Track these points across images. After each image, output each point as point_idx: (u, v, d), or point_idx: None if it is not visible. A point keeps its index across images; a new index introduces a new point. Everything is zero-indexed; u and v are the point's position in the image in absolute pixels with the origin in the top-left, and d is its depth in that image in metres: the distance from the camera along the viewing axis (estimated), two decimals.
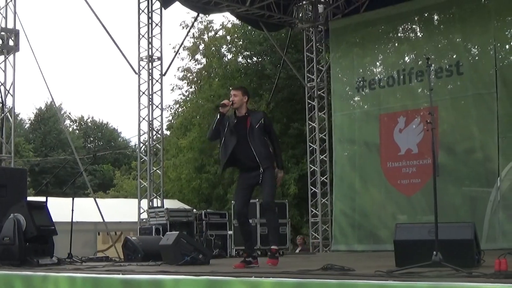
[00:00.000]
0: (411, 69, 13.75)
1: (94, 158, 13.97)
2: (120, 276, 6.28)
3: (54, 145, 44.61)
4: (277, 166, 7.53)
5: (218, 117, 7.51)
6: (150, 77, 13.83)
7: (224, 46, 22.98)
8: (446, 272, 4.92)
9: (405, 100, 13.87)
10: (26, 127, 48.65)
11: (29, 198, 10.89)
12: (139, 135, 14.03)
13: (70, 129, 50.51)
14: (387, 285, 4.33)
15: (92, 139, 52.51)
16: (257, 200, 12.42)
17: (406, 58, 14.26)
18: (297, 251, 15.49)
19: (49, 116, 46.58)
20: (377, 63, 14.95)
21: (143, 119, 13.89)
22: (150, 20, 13.88)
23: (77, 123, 52.41)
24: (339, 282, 4.62)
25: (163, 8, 13.96)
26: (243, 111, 7.52)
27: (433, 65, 13.22)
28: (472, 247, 6.02)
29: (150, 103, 13.81)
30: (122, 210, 18.76)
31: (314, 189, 15.73)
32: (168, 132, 27.83)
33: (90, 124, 52.69)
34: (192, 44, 23.18)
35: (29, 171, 40.42)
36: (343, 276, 5.04)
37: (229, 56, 23.19)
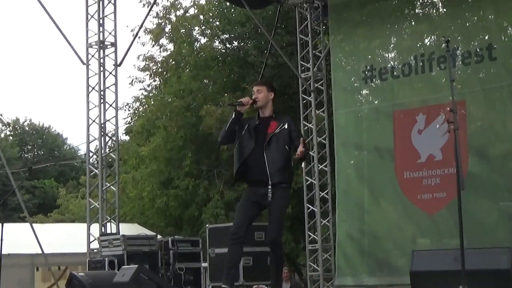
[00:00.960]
0: (431, 54, 13.74)
1: (29, 172, 13.81)
2: None
3: None
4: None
5: (234, 116, 7.79)
6: (101, 68, 13.77)
7: (196, 28, 22.92)
8: None
9: (425, 93, 13.87)
10: None
11: None
12: (88, 142, 13.97)
13: (2, 135, 50.38)
14: None
15: (30, 147, 52.39)
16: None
17: (426, 41, 14.27)
18: (285, 287, 15.38)
19: None
20: (389, 47, 14.95)
21: (93, 121, 13.83)
22: None
23: (10, 128, 52.25)
24: None
25: None
26: (268, 111, 7.82)
27: (459, 48, 13.30)
28: (509, 279, 6.02)
29: (102, 101, 13.76)
30: (68, 238, 18.68)
31: (311, 207, 15.69)
32: (126, 138, 27.82)
33: (27, 128, 52.59)
34: (155, 25, 23.11)
35: None
36: None
37: (203, 40, 23.16)
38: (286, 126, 7.67)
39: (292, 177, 7.87)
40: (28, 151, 52.00)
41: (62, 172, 47.48)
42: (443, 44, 13.40)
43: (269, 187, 7.50)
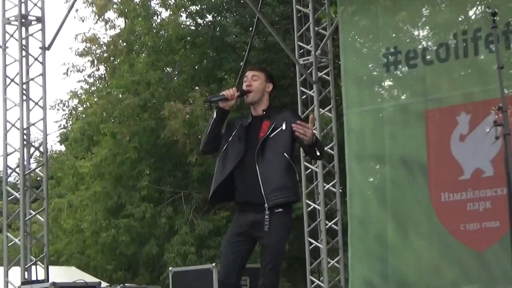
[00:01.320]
0: (477, 30, 13.75)
1: None
2: None
3: None
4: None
5: (215, 116, 7.73)
6: (23, 53, 13.71)
7: None
8: None
9: (469, 85, 13.86)
10: None
11: None
12: (6, 154, 13.88)
13: None
14: None
15: None
16: (213, 265, 12.46)
17: (470, 13, 14.28)
18: None
19: None
20: (419, 23, 14.96)
21: (13, 125, 13.74)
22: None
23: None
24: None
25: None
26: (262, 107, 7.81)
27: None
28: None
29: (25, 97, 13.68)
30: None
31: (315, 243, 15.69)
32: (61, 148, 27.75)
33: None
34: None
35: None
36: None
37: (165, 14, 23.19)
38: (284, 126, 7.60)
39: (296, 197, 7.73)
40: None
41: None
42: (489, 17, 13.52)
43: (266, 211, 7.43)
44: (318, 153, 7.55)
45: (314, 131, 7.43)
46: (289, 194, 7.55)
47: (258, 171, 7.49)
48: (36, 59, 13.79)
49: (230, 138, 7.69)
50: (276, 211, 7.43)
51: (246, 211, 7.61)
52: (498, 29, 13.23)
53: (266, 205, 7.42)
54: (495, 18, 6.50)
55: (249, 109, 7.88)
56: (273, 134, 7.56)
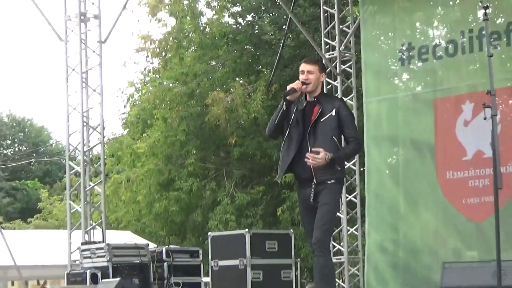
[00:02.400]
0: (481, 29, 13.56)
1: None
2: None
3: None
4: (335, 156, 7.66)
5: (284, 108, 7.85)
6: (83, 46, 13.72)
7: (202, 0, 22.92)
8: None
9: (474, 77, 13.74)
10: None
11: None
12: (68, 134, 13.93)
13: None
14: None
15: (9, 142, 52.59)
16: (246, 230, 12.51)
17: (479, 14, 14.11)
18: None
19: None
20: (434, 22, 14.85)
21: (74, 109, 13.78)
22: None
23: None
24: None
25: None
26: (315, 94, 7.93)
27: None
28: None
29: (84, 84, 13.70)
30: (47, 247, 18.67)
31: (337, 213, 15.62)
32: (123, 131, 27.78)
33: (6, 120, 52.79)
34: None
35: None
36: None
37: (210, 14, 23.11)
38: (333, 112, 7.72)
39: (343, 172, 8.00)
40: (7, 146, 52.22)
41: (48, 172, 47.70)
42: (502, 17, 13.42)
43: (313, 184, 7.63)
44: (338, 167, 7.72)
45: (325, 155, 7.55)
46: (335, 170, 7.68)
47: (310, 151, 7.61)
48: (93, 51, 13.81)
49: (291, 122, 7.80)
50: (328, 182, 7.62)
51: (304, 186, 7.77)
52: (500, 27, 13.30)
53: (314, 180, 7.59)
54: (487, 11, 6.38)
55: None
56: (323, 118, 7.68)
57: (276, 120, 7.89)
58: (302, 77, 7.82)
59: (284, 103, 7.80)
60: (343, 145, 7.91)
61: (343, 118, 7.75)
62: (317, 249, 7.69)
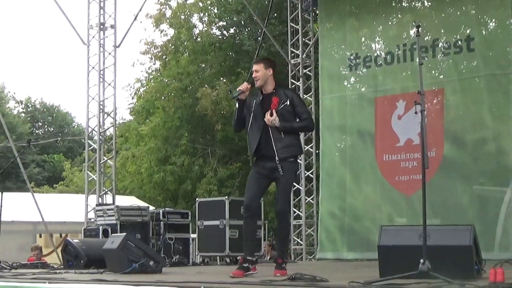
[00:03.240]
0: (413, 44, 13.63)
1: (28, 146, 13.86)
2: (46, 285, 6.15)
3: None
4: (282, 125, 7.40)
5: (237, 106, 7.58)
6: (101, 49, 13.63)
7: (195, 15, 22.79)
8: (434, 284, 4.80)
9: (406, 81, 13.76)
10: None
11: None
12: (88, 118, 13.84)
13: (15, 112, 50.22)
14: None
15: (40, 124, 52.23)
16: (225, 197, 12.62)
17: (411, 32, 14.11)
18: (267, 259, 15.24)
19: None
20: (376, 37, 14.82)
21: (93, 99, 13.69)
22: None
23: (23, 105, 52.11)
24: None
25: None
26: (270, 87, 7.54)
27: (440, 39, 13.21)
28: (471, 255, 5.89)
29: (101, 80, 13.61)
30: (68, 207, 18.56)
31: (297, 186, 15.57)
32: (130, 117, 27.68)
33: (39, 106, 52.41)
34: (157, 11, 22.97)
35: None
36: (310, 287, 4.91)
37: (201, 26, 23.03)
38: (288, 102, 7.44)
39: (299, 150, 7.70)
40: (39, 127, 51.85)
41: (70, 148, 47.38)
42: (429, 35, 13.41)
43: (276, 160, 7.33)
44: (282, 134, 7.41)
45: (275, 118, 7.32)
46: (293, 149, 7.47)
47: (271, 134, 7.37)
48: (109, 53, 13.72)
49: (252, 114, 7.51)
50: (284, 161, 7.34)
51: (264, 161, 7.43)
52: (427, 42, 13.29)
53: (276, 157, 7.31)
54: (418, 29, 6.33)
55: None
56: (280, 107, 7.38)
57: (236, 117, 7.65)
58: (253, 75, 7.56)
59: (237, 102, 7.58)
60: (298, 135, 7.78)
61: (296, 104, 7.50)
62: (283, 217, 7.55)
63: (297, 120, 7.54)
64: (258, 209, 7.63)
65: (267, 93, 7.53)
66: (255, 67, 7.60)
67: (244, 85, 7.53)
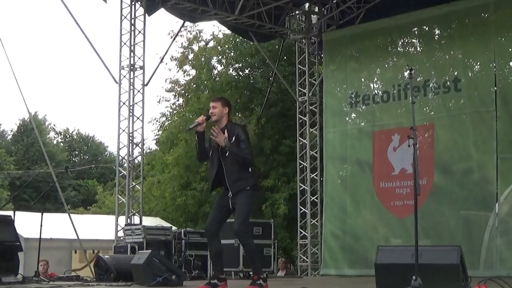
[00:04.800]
0: (407, 84, 13.67)
1: (66, 172, 13.90)
2: None
3: (37, 158, 44.45)
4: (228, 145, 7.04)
5: (196, 137, 7.26)
6: (131, 87, 13.66)
7: (214, 58, 22.84)
8: None
9: (400, 117, 13.80)
10: (8, 138, 48.57)
11: (7, 213, 10.71)
12: (118, 148, 13.84)
13: (55, 142, 50.42)
14: None
15: (77, 152, 52.38)
16: None
17: (405, 74, 14.15)
18: (280, 274, 15.19)
19: (32, 128, 46.50)
20: (374, 78, 14.89)
21: (123, 131, 13.72)
22: (132, 27, 13.71)
23: (62, 136, 52.31)
24: None
25: (147, 15, 13.82)
26: (223, 124, 7.24)
27: (431, 80, 13.26)
28: (458, 273, 5.87)
29: (131, 114, 13.63)
30: (100, 227, 18.57)
31: (303, 209, 15.60)
32: (156, 147, 27.69)
33: (75, 137, 52.62)
34: (180, 54, 23.08)
35: (9, 185, 40.44)
36: None
37: (219, 68, 23.05)
38: (234, 138, 7.07)
39: (252, 180, 7.16)
40: (75, 155, 51.98)
41: (103, 174, 47.40)
42: (421, 77, 13.44)
43: (229, 195, 7.08)
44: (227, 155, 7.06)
45: (225, 139, 7.01)
46: (245, 183, 7.05)
47: (224, 169, 7.10)
48: (138, 91, 13.74)
49: (212, 147, 7.23)
50: (236, 194, 7.03)
51: (225, 192, 7.16)
52: (419, 83, 13.32)
53: (230, 191, 7.07)
54: (411, 72, 6.35)
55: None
56: (230, 141, 7.03)
57: (197, 149, 7.32)
58: (210, 111, 7.25)
59: (196, 134, 7.22)
60: (250, 169, 7.16)
61: (239, 139, 7.07)
62: (240, 237, 7.19)
63: None
64: (215, 233, 7.19)
65: (221, 128, 7.19)
66: (213, 104, 7.31)
67: (201, 118, 7.23)
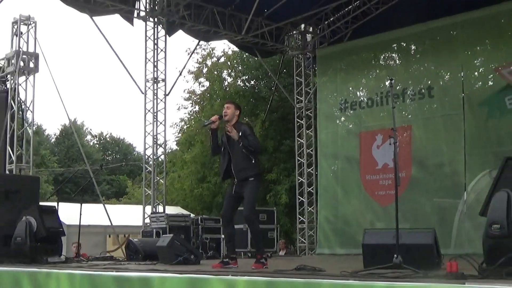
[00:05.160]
0: (388, 92, 13.64)
1: (101, 169, 13.91)
2: (113, 273, 6.14)
3: (76, 157, 44.51)
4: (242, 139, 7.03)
5: (210, 134, 7.27)
6: (155, 97, 13.67)
7: (225, 71, 22.85)
8: (405, 273, 4.76)
9: (383, 120, 13.74)
10: (52, 141, 48.67)
11: (52, 204, 10.72)
12: (145, 148, 13.85)
13: (91, 144, 50.42)
14: (348, 284, 4.17)
15: (110, 152, 52.39)
16: None
17: (386, 83, 14.11)
18: (281, 253, 15.20)
19: (72, 132, 46.56)
20: (360, 87, 14.86)
21: (149, 134, 13.73)
22: (155, 46, 13.73)
23: (97, 138, 52.34)
24: (306, 281, 4.47)
25: (167, 36, 13.84)
26: (232, 123, 7.21)
27: (408, 88, 13.25)
28: (432, 251, 5.85)
29: (155, 120, 13.64)
30: (130, 215, 18.58)
31: (301, 198, 15.58)
32: (176, 147, 27.71)
33: (108, 139, 52.62)
34: (196, 68, 23.11)
35: (54, 180, 40.53)
36: (311, 276, 4.88)
37: (229, 79, 23.07)
38: (241, 133, 7.04)
39: (255, 170, 7.08)
40: (109, 155, 51.99)
41: (132, 170, 47.38)
42: (399, 86, 13.42)
43: (235, 183, 7.06)
44: (244, 150, 7.03)
45: (237, 133, 6.99)
46: (248, 172, 7.00)
47: (232, 160, 7.09)
48: (161, 100, 13.74)
49: (223, 143, 7.24)
50: (243, 181, 7.01)
51: (234, 181, 7.14)
52: (398, 91, 13.29)
53: (235, 179, 7.06)
54: (391, 81, 6.34)
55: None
56: (237, 138, 7.00)
57: (210, 144, 7.33)
58: (224, 111, 7.23)
59: (210, 131, 7.21)
60: (252, 159, 7.06)
61: (245, 134, 7.02)
62: (249, 221, 7.19)
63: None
64: (231, 218, 7.14)
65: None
66: (227, 105, 7.30)
67: (214, 117, 7.24)
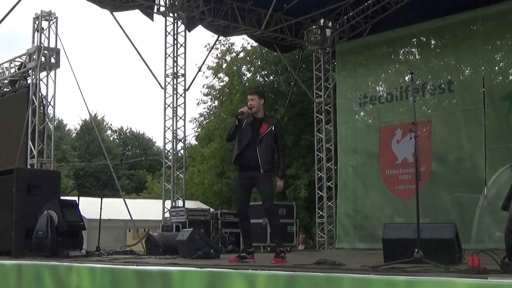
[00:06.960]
0: (408, 86, 13.55)
1: (121, 163, 13.91)
2: (134, 267, 6.16)
3: (96, 152, 44.82)
4: (277, 174, 7.16)
5: (237, 123, 7.23)
6: (174, 92, 13.67)
7: (244, 66, 22.84)
8: (426, 268, 4.72)
9: (402, 115, 13.66)
10: (72, 136, 49.04)
11: (73, 198, 10.80)
12: (164, 143, 13.86)
13: (111, 139, 50.72)
14: (368, 278, 4.14)
15: (130, 147, 52.66)
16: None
17: (406, 78, 14.01)
18: (300, 248, 15.19)
19: (92, 127, 46.88)
20: (379, 82, 14.75)
21: (168, 128, 13.74)
22: (175, 41, 13.72)
23: (117, 133, 52.64)
24: (327, 275, 4.44)
25: (187, 31, 13.83)
26: (261, 114, 7.24)
27: (428, 83, 13.15)
28: (453, 246, 5.80)
29: (175, 115, 13.64)
30: (150, 209, 18.64)
31: (321, 193, 15.54)
32: (196, 142, 27.78)
33: (128, 134, 52.88)
34: (215, 64, 23.12)
35: (74, 175, 40.85)
36: (331, 270, 4.85)
37: (248, 75, 23.07)
38: (272, 128, 7.10)
39: (274, 166, 7.17)
40: (128, 150, 52.25)
41: (152, 165, 47.59)
42: (419, 80, 13.31)
43: (261, 172, 6.99)
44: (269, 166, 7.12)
45: (280, 184, 7.12)
46: (270, 165, 7.07)
47: (258, 151, 7.03)
48: (181, 95, 13.74)
49: (242, 129, 7.18)
50: (266, 173, 7.00)
51: (247, 170, 7.10)
52: (418, 85, 13.19)
53: (261, 169, 6.99)
54: (412, 75, 6.29)
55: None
56: (266, 132, 7.08)
57: (232, 131, 7.21)
58: (249, 103, 7.24)
59: (236, 120, 7.21)
60: (274, 156, 7.16)
61: (278, 135, 7.14)
62: (270, 214, 7.22)
63: (273, 144, 7.18)
64: (247, 213, 7.20)
65: (257, 118, 7.21)
66: (250, 96, 7.29)
67: (245, 108, 7.22)
